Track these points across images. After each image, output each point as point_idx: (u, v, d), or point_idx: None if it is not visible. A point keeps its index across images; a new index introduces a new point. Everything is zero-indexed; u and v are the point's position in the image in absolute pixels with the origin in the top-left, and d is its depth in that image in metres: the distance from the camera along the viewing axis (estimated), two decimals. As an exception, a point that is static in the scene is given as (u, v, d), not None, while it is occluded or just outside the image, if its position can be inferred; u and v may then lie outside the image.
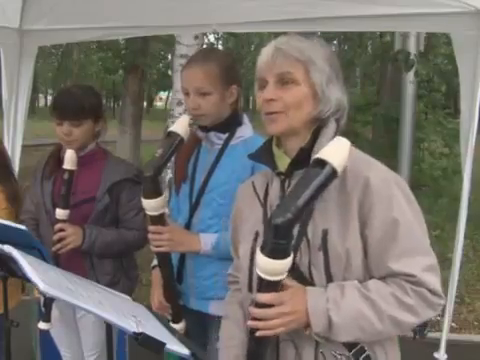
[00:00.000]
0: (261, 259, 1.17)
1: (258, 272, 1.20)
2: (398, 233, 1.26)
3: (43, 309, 2.19)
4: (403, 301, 1.24)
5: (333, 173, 1.18)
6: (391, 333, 1.29)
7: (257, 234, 1.39)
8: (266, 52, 1.35)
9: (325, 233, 1.27)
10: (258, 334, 1.24)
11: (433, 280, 1.27)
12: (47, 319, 2.10)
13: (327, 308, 1.23)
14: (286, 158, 1.37)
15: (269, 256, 1.16)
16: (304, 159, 1.32)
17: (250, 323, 1.26)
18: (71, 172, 2.09)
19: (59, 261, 2.11)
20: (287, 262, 1.18)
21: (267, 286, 1.21)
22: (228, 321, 1.53)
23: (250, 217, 1.45)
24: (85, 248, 2.15)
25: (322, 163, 1.18)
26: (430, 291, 1.25)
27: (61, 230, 2.10)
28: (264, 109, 1.34)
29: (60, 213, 2.10)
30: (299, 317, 1.24)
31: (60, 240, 2.10)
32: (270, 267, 1.17)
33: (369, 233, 1.27)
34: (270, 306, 1.22)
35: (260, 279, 1.21)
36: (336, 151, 1.20)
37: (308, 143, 1.34)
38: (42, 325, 2.10)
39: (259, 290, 1.23)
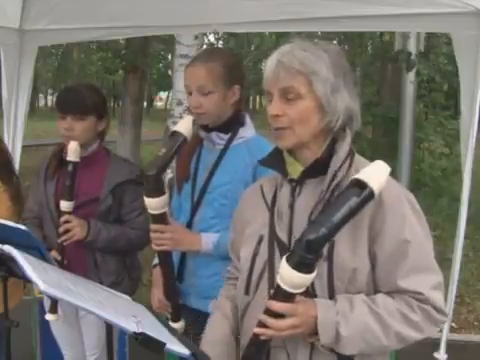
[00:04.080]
0: (285, 269, 1.17)
1: (278, 281, 1.19)
2: (408, 252, 1.26)
3: (46, 303, 2.20)
4: (409, 318, 1.25)
5: (370, 196, 1.17)
6: (394, 347, 1.30)
7: (261, 238, 1.39)
8: (269, 64, 1.33)
9: (332, 244, 1.26)
10: (263, 337, 1.24)
11: (439, 298, 1.28)
12: (53, 310, 2.11)
13: (336, 321, 1.23)
14: (298, 166, 1.37)
15: (294, 268, 1.15)
16: (317, 168, 1.33)
17: (258, 330, 1.25)
18: (75, 164, 2.10)
19: (64, 253, 2.12)
20: (310, 277, 1.17)
21: (283, 296, 1.20)
22: (217, 312, 1.53)
23: (255, 220, 1.44)
24: (89, 240, 2.15)
25: (360, 185, 1.17)
26: (435, 309, 1.26)
27: (66, 222, 2.11)
28: (271, 124, 1.34)
29: (64, 205, 2.11)
30: (307, 329, 1.24)
31: (66, 232, 2.11)
32: (292, 279, 1.16)
33: (378, 250, 1.27)
34: (281, 315, 1.22)
35: (278, 288, 1.20)
36: (377, 175, 1.19)
37: (323, 154, 1.33)
38: (49, 316, 2.12)
39: (274, 298, 1.22)
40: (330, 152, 1.33)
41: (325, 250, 1.26)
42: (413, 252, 1.26)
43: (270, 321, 1.22)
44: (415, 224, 1.29)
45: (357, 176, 1.19)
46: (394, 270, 1.26)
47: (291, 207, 1.36)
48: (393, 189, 1.30)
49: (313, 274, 1.17)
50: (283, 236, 1.35)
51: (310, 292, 1.27)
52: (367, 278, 1.28)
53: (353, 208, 1.15)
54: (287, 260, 1.17)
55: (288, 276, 1.16)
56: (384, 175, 1.20)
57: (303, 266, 1.15)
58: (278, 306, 1.21)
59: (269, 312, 1.22)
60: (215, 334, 1.48)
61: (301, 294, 1.23)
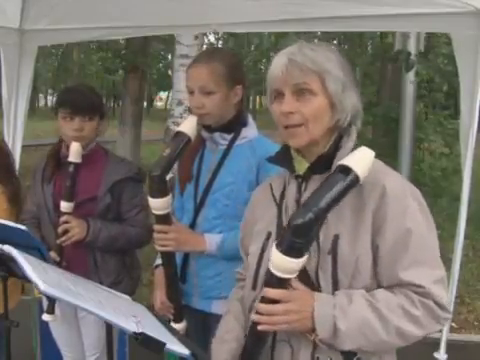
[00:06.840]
0: (275, 255, 1.19)
1: (270, 267, 1.21)
2: (410, 243, 1.26)
3: (46, 303, 2.20)
4: (410, 312, 1.24)
5: (356, 180, 1.20)
6: (396, 344, 1.29)
7: (269, 234, 1.40)
8: (279, 63, 1.32)
9: (336, 238, 1.27)
10: (259, 328, 1.25)
11: (441, 293, 1.26)
12: (50, 310, 2.11)
13: (333, 315, 1.23)
14: (305, 162, 1.38)
15: (284, 253, 1.17)
16: (323, 164, 1.34)
17: (254, 317, 1.26)
18: (76, 165, 2.10)
19: (63, 254, 2.12)
20: (300, 261, 1.19)
21: (276, 283, 1.22)
22: (228, 315, 1.53)
23: (263, 217, 1.45)
24: (89, 240, 2.15)
25: (346, 170, 1.20)
26: (437, 304, 1.25)
27: (66, 222, 2.11)
28: (282, 122, 1.33)
29: (65, 206, 2.11)
30: (304, 318, 1.24)
31: (65, 232, 2.11)
32: (283, 264, 1.18)
33: (381, 242, 1.27)
34: (277, 303, 1.23)
35: (270, 275, 1.22)
36: (361, 160, 1.22)
37: (328, 150, 1.35)
38: (46, 317, 2.11)
39: (268, 286, 1.23)
40: (335, 148, 1.35)
41: (329, 244, 1.27)
42: (415, 243, 1.26)
43: (263, 306, 1.24)
44: (418, 216, 1.29)
45: (342, 162, 1.22)
46: (396, 262, 1.26)
47: (297, 202, 1.37)
48: (397, 183, 1.31)
49: (303, 258, 1.19)
50: None
51: (315, 286, 1.28)
52: (371, 272, 1.28)
53: (339, 192, 1.19)
54: (277, 246, 1.19)
55: (279, 262, 1.19)
56: (369, 160, 1.23)
57: (293, 251, 1.18)
58: (272, 292, 1.22)
59: (264, 300, 1.24)
60: (226, 333, 1.48)
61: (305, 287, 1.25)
